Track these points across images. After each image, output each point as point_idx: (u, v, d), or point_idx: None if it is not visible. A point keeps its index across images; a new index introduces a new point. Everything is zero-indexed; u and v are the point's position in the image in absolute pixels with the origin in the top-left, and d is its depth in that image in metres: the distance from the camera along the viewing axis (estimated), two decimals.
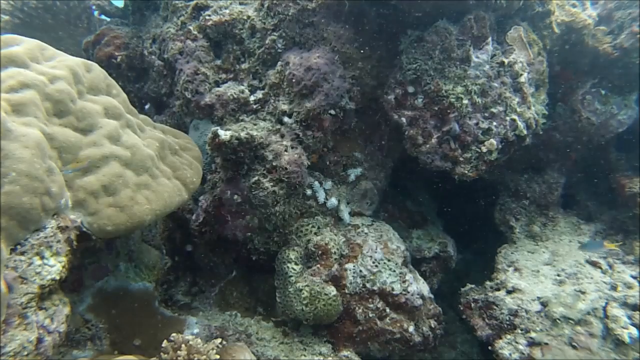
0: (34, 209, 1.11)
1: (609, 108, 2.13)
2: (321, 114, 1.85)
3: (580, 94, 2.15)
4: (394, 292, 1.83)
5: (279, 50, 1.98)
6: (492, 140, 1.81)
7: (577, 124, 2.16)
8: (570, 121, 2.18)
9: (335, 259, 1.85)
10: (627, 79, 2.10)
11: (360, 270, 1.84)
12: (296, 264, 1.86)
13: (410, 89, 1.84)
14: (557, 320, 1.74)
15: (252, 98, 1.99)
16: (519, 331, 1.76)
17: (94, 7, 2.80)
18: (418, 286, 1.90)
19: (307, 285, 1.79)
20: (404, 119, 1.86)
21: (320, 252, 1.85)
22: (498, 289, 1.93)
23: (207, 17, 2.06)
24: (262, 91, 1.99)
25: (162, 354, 1.33)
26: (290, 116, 1.89)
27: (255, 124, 1.92)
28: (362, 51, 1.91)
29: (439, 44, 1.79)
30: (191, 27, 2.10)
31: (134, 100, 2.36)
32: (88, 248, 1.46)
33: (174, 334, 1.36)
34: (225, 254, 2.05)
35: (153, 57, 2.32)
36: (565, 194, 2.35)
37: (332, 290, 1.79)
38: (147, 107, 1.69)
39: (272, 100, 1.96)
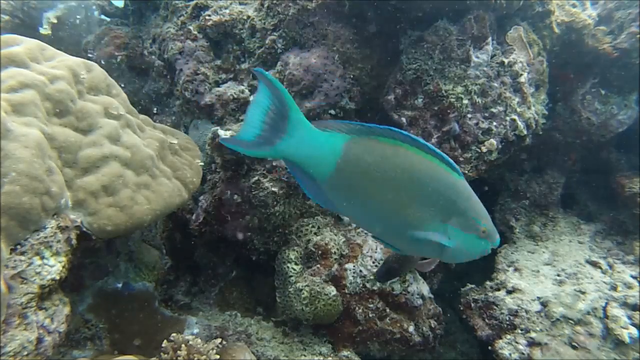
0: (34, 209, 1.11)
1: (609, 108, 2.13)
2: (321, 114, 1.85)
3: (580, 94, 2.15)
4: (394, 292, 1.83)
5: (279, 51, 1.98)
6: (492, 140, 1.81)
7: (577, 124, 2.16)
8: (570, 121, 2.18)
9: (335, 259, 1.85)
10: (627, 79, 2.10)
11: (360, 270, 1.84)
12: (296, 264, 1.86)
13: (410, 89, 1.85)
14: (557, 320, 1.74)
15: (252, 98, 1.99)
16: (519, 331, 1.76)
17: (94, 7, 2.80)
18: (418, 286, 1.91)
19: (307, 285, 1.79)
20: (404, 119, 1.86)
21: (320, 252, 1.85)
22: (498, 289, 1.93)
23: (207, 17, 2.06)
24: None
25: (162, 354, 1.33)
26: None
27: None
28: (362, 51, 1.92)
29: (439, 44, 1.79)
30: (191, 27, 2.10)
31: (134, 100, 2.36)
32: (88, 248, 1.46)
33: (174, 334, 1.36)
34: (225, 254, 2.05)
35: (153, 57, 2.33)
36: (565, 194, 2.35)
37: (332, 290, 1.79)
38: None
39: None
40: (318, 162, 1.07)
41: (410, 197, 1.02)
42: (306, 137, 1.07)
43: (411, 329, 1.84)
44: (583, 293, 1.81)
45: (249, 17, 2.03)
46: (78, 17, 2.73)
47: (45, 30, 2.57)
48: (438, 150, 1.01)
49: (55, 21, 2.60)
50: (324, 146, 1.06)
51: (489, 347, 1.80)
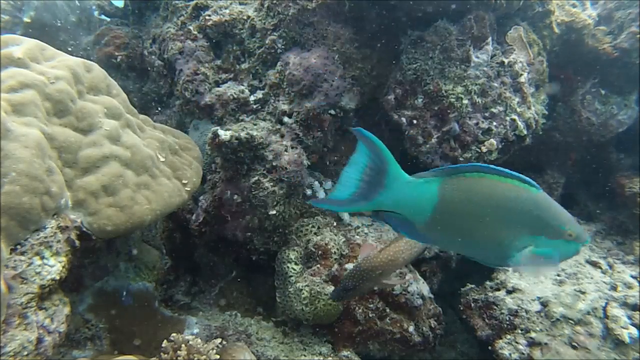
0: (34, 209, 1.11)
1: (609, 108, 2.13)
2: (321, 114, 1.85)
3: (580, 94, 2.15)
4: (394, 292, 1.83)
5: (279, 50, 1.98)
6: (492, 140, 1.81)
7: (577, 124, 2.16)
8: (570, 121, 2.18)
9: (335, 259, 1.85)
10: (627, 79, 2.10)
11: None
12: (296, 264, 1.86)
13: (410, 89, 1.85)
14: (557, 320, 1.74)
15: (252, 98, 1.99)
16: (519, 331, 1.76)
17: (94, 7, 2.81)
18: (418, 286, 1.90)
19: (307, 285, 1.79)
20: (404, 119, 1.86)
21: (320, 252, 1.84)
22: (498, 289, 1.93)
23: (207, 17, 2.06)
24: (262, 91, 1.99)
25: (162, 354, 1.33)
26: (290, 116, 1.89)
27: (255, 124, 1.92)
28: (362, 51, 1.92)
29: (439, 44, 1.79)
30: (191, 27, 2.10)
31: (133, 100, 2.36)
32: (88, 248, 1.46)
33: (174, 334, 1.36)
34: (225, 254, 2.04)
35: (153, 57, 2.33)
36: (565, 194, 2.35)
37: (332, 290, 1.79)
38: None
39: (272, 100, 1.96)
40: (416, 209, 1.16)
41: (500, 222, 1.13)
42: (404, 188, 1.15)
43: (411, 329, 1.84)
44: (583, 293, 1.81)
45: (249, 17, 2.03)
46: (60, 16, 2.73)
47: (28, 17, 2.57)
48: (514, 173, 1.10)
49: (29, 20, 2.60)
50: (421, 194, 1.15)
51: (489, 347, 1.80)
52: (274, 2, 1.96)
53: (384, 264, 1.52)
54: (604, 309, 1.75)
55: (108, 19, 2.70)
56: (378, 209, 1.17)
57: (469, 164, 1.15)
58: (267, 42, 1.99)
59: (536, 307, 1.81)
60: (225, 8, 2.06)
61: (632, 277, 1.90)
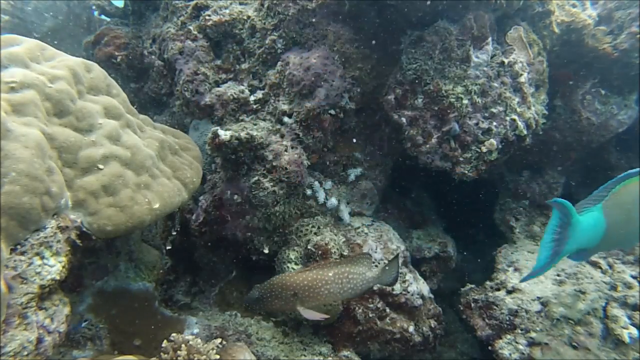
0: (34, 209, 1.11)
1: (609, 108, 2.13)
2: (321, 114, 1.85)
3: (580, 94, 2.15)
4: (394, 292, 1.83)
5: (279, 50, 1.98)
6: (492, 140, 1.81)
7: (577, 124, 2.16)
8: (570, 121, 2.18)
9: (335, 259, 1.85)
10: (627, 79, 2.10)
11: None
12: (296, 264, 1.86)
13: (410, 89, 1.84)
14: (557, 320, 1.74)
15: (252, 98, 1.99)
16: (519, 331, 1.76)
17: (94, 7, 2.81)
18: (418, 286, 1.91)
19: None
20: (404, 119, 1.86)
21: (320, 252, 1.84)
22: (498, 289, 1.93)
23: (207, 17, 2.06)
24: (262, 91, 1.99)
25: (162, 354, 1.33)
26: (290, 116, 1.89)
27: (255, 124, 1.92)
28: (362, 51, 1.92)
29: (439, 44, 1.79)
30: (191, 27, 2.10)
31: (134, 100, 2.36)
32: (88, 248, 1.46)
33: (174, 334, 1.36)
34: (225, 254, 2.04)
35: (153, 57, 2.33)
36: (565, 193, 2.35)
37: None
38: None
39: (272, 100, 1.96)
40: (591, 240, 1.43)
41: None
42: (581, 231, 1.40)
43: (411, 329, 1.84)
44: (583, 293, 1.81)
45: (249, 17, 2.03)
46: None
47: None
48: (634, 170, 1.37)
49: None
50: (593, 226, 1.41)
51: (489, 347, 1.80)
52: (274, 2, 1.96)
53: (298, 286, 1.43)
54: (604, 309, 1.75)
55: (108, 19, 2.70)
56: (565, 256, 1.43)
57: (615, 179, 1.39)
58: (267, 42, 1.99)
59: (536, 307, 1.81)
60: (225, 8, 2.07)
61: (632, 277, 1.89)
